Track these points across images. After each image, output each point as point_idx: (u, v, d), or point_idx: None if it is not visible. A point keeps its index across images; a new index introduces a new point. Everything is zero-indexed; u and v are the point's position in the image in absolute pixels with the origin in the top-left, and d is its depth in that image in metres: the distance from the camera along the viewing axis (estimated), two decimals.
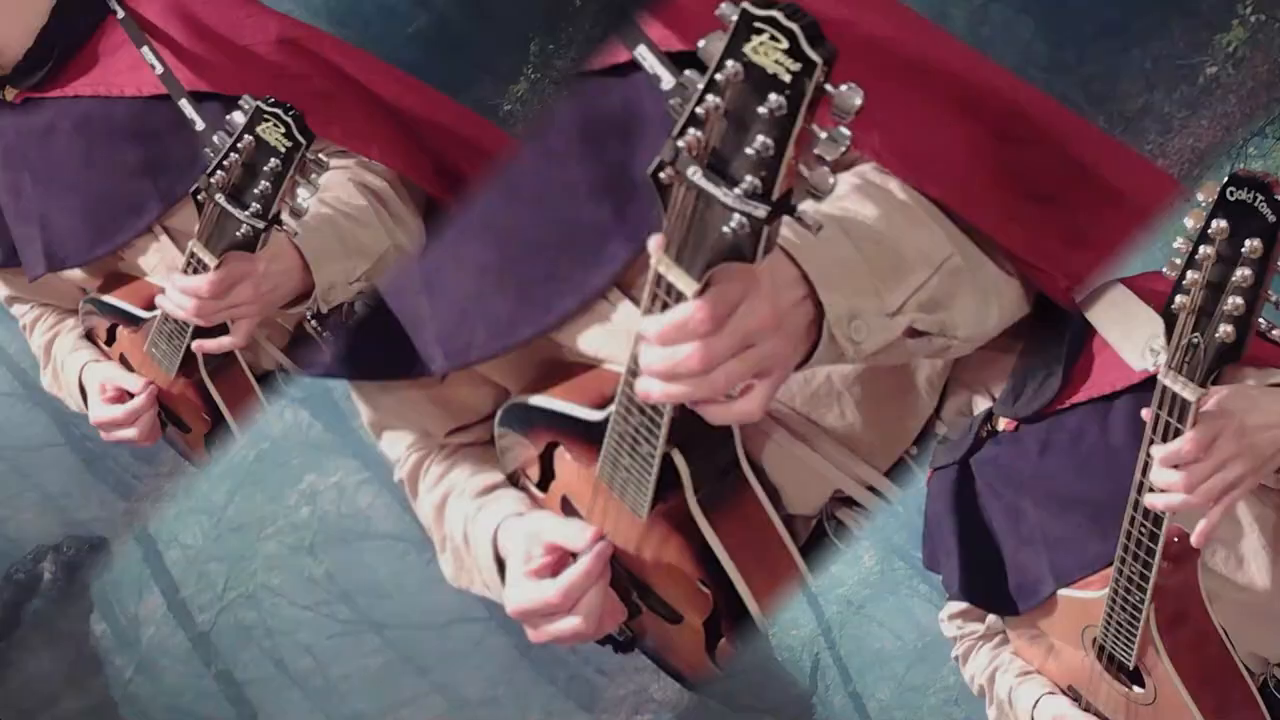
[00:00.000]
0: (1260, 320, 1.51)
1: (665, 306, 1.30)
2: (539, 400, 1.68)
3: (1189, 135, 2.30)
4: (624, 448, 1.56)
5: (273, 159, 1.84)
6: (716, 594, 1.66)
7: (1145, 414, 1.58)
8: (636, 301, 1.59)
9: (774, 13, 1.15)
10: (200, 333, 2.07)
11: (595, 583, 1.64)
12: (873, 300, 1.44)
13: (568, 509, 1.72)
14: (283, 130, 1.82)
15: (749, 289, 1.29)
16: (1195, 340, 1.53)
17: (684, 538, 1.64)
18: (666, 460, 1.56)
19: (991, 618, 2.03)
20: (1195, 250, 1.49)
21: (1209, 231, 1.47)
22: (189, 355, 2.16)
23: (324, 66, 2.17)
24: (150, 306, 2.15)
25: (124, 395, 2.26)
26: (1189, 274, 1.51)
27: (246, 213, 1.86)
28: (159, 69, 2.09)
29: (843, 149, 1.18)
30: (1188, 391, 1.54)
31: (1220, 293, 1.50)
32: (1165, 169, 2.30)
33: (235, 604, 2.98)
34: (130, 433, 2.28)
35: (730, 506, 1.64)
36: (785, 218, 1.22)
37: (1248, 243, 1.46)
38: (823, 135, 1.18)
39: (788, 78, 1.16)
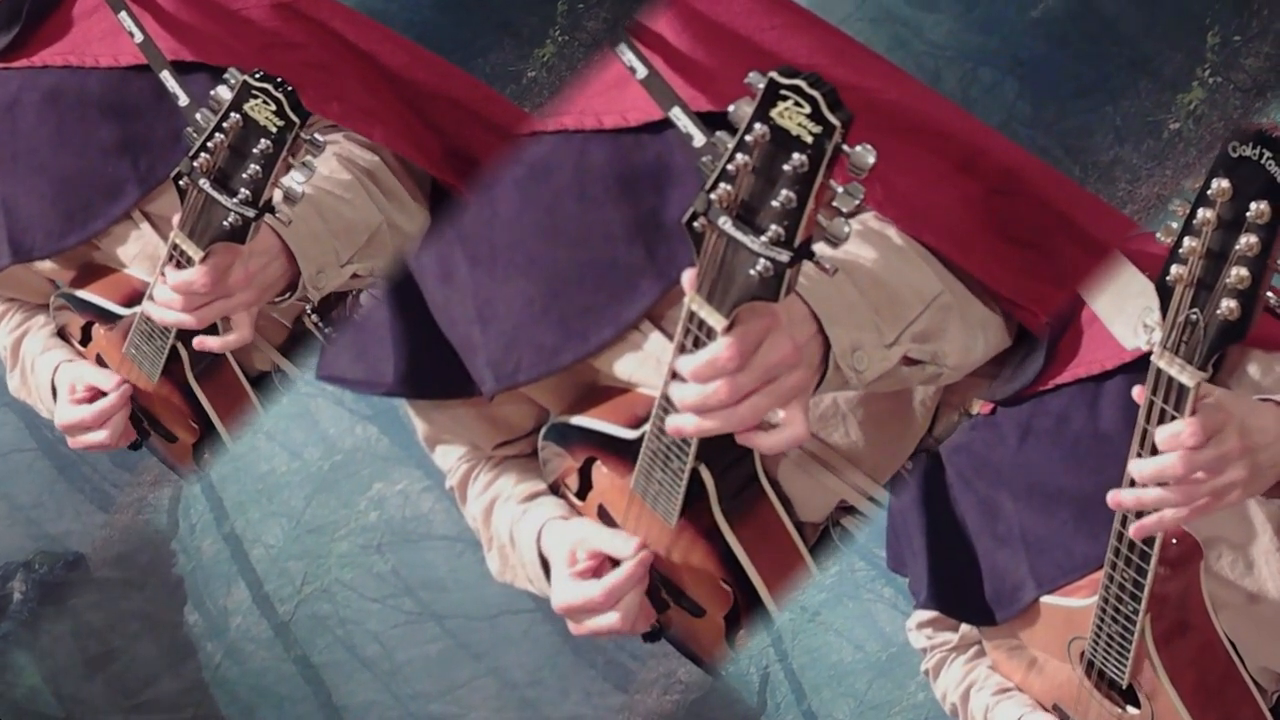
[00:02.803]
0: (1269, 295, 1.18)
1: (697, 340, 1.31)
2: (579, 420, 1.68)
3: (1154, 184, 2.30)
4: (656, 463, 1.57)
5: (263, 140, 1.49)
6: (736, 591, 1.67)
7: (1137, 392, 1.26)
8: (666, 332, 1.60)
9: (798, 81, 1.17)
10: (185, 331, 1.70)
11: (636, 586, 1.64)
12: (872, 333, 1.45)
13: (604, 516, 1.72)
14: (274, 108, 1.48)
15: (771, 326, 1.30)
16: (1194, 317, 1.19)
17: (709, 542, 1.64)
18: (694, 475, 1.56)
19: (965, 626, 1.68)
20: (1194, 214, 1.16)
21: (1209, 192, 1.15)
22: (173, 357, 1.79)
23: (324, 35, 1.78)
24: (129, 302, 1.79)
25: (97, 395, 1.85)
26: (1186, 241, 1.17)
27: (234, 200, 1.52)
28: (138, 36, 1.72)
29: (858, 202, 1.21)
30: (1185, 375, 1.21)
31: (1222, 263, 1.16)
32: (1133, 214, 2.29)
33: (312, 597, 2.96)
34: (100, 436, 1.86)
35: (750, 515, 1.64)
36: (804, 261, 1.23)
37: (1253, 205, 1.13)
38: (840, 189, 1.20)
39: (809, 139, 1.17)
